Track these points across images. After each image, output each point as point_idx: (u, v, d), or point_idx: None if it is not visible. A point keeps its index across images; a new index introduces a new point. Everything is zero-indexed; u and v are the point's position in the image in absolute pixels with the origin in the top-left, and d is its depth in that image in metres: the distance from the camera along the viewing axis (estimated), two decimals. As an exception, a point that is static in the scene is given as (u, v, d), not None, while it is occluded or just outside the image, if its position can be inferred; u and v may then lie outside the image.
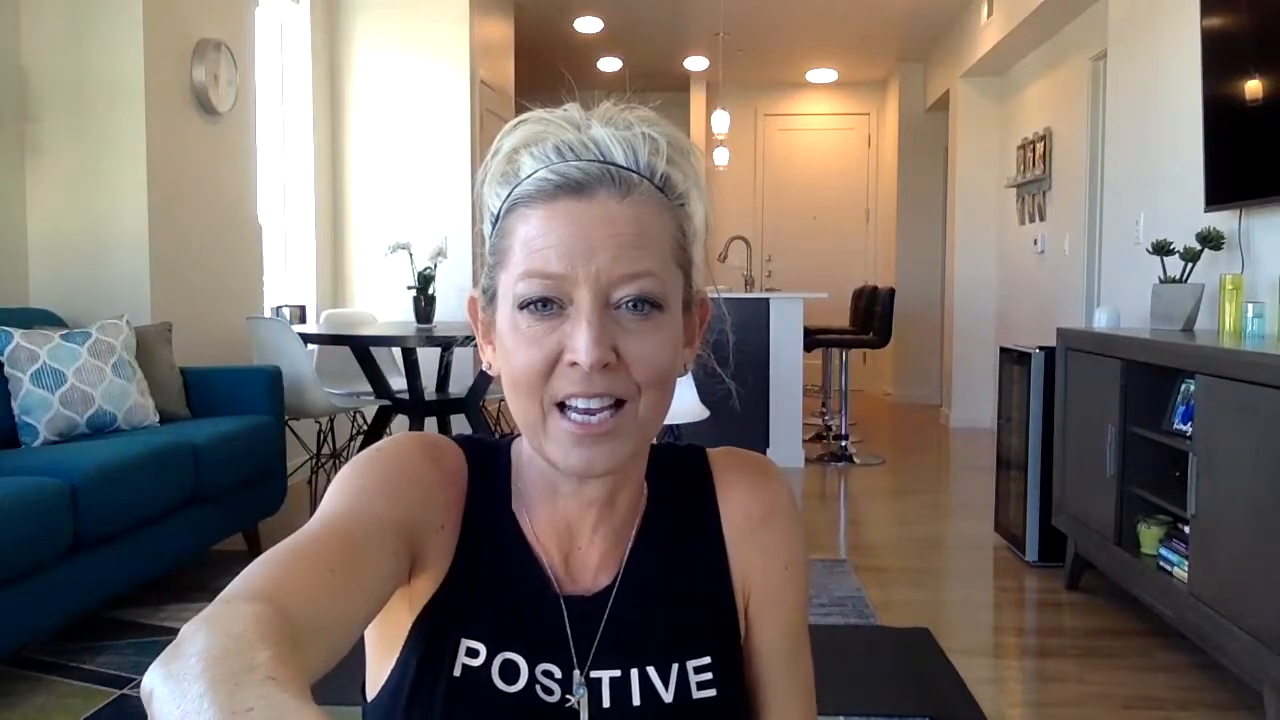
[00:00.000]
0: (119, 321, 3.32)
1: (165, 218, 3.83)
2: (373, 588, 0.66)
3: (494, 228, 0.74)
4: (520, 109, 0.80)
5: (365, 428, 4.65)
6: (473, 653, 0.76)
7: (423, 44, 5.47)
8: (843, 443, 5.85)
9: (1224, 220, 3.29)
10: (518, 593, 0.78)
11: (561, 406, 0.69)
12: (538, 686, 0.76)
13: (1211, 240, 3.24)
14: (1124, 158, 4.28)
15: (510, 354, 0.70)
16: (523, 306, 0.69)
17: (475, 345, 0.81)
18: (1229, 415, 2.30)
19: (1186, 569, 2.52)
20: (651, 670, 0.79)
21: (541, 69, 7.56)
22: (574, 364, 0.68)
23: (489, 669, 0.76)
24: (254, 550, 3.63)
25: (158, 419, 3.32)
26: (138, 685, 2.47)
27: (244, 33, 4.40)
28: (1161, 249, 3.36)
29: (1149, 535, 2.82)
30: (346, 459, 4.65)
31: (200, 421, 3.40)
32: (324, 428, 4.65)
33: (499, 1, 6.16)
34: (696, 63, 8.17)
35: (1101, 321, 3.52)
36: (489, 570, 0.78)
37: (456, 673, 0.75)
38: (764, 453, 5.56)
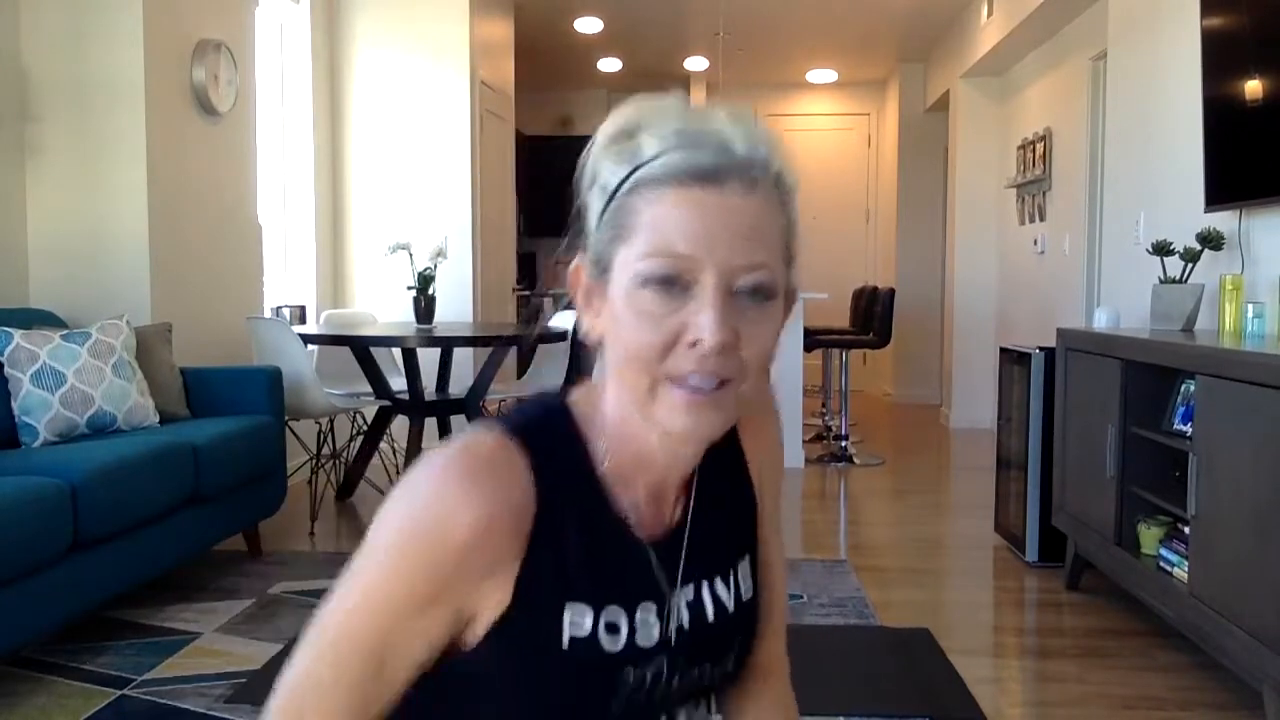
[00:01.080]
0: (119, 322, 3.32)
1: (165, 218, 3.83)
2: (411, 670, 0.77)
3: (611, 202, 0.76)
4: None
5: (365, 428, 4.65)
6: (579, 614, 0.78)
7: (423, 44, 5.47)
8: (843, 443, 5.85)
9: (1224, 220, 3.29)
10: (606, 550, 0.81)
11: (672, 378, 0.74)
12: (638, 635, 0.81)
13: (1211, 240, 3.24)
14: (1124, 158, 4.28)
15: (627, 329, 0.74)
16: (646, 284, 0.72)
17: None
18: (1229, 415, 2.30)
19: (1186, 569, 2.52)
20: (718, 580, 0.87)
21: (541, 69, 7.56)
22: (694, 344, 0.72)
23: (595, 635, 0.79)
24: (254, 550, 3.63)
25: (158, 419, 3.32)
26: (138, 685, 2.48)
27: (244, 33, 4.40)
28: (1161, 249, 3.36)
29: (1149, 535, 2.82)
30: (346, 460, 4.63)
31: (200, 421, 3.40)
32: (324, 428, 4.65)
33: (499, 1, 6.16)
34: (696, 63, 8.16)
35: (1101, 321, 3.52)
36: (574, 540, 0.79)
37: (565, 646, 0.78)
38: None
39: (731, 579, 0.88)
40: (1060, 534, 3.42)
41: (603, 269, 0.76)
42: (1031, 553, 3.59)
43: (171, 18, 3.85)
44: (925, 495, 5.02)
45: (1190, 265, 3.28)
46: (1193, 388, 2.56)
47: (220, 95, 4.12)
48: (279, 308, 4.85)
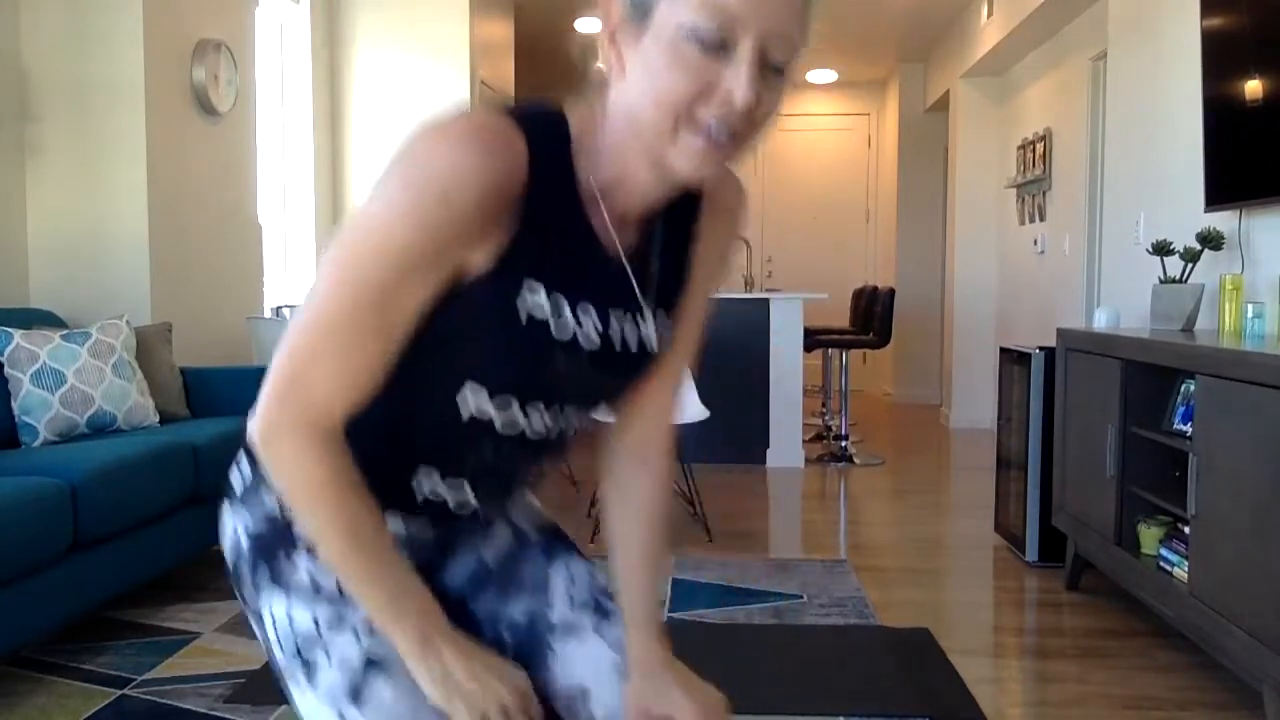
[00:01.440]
0: (119, 322, 3.32)
1: (165, 218, 3.83)
2: (406, 324, 0.84)
3: None
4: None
5: (365, 428, 4.65)
6: (538, 295, 0.88)
7: (423, 44, 5.47)
8: (843, 443, 5.85)
9: (1224, 220, 3.29)
10: (575, 249, 0.89)
11: (693, 125, 0.80)
12: (579, 334, 0.91)
13: (1211, 240, 3.24)
14: (1124, 158, 4.28)
15: (663, 74, 0.80)
16: (692, 35, 0.78)
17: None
18: (1229, 415, 2.30)
19: (1186, 569, 2.52)
20: (645, 317, 0.97)
21: (541, 69, 7.55)
22: (723, 99, 0.79)
23: (548, 319, 0.89)
24: (254, 550, 3.63)
25: (158, 419, 3.32)
26: (138, 685, 2.48)
27: (244, 33, 4.40)
28: (1161, 249, 3.36)
29: (1149, 535, 2.82)
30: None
31: (200, 421, 3.40)
32: (324, 428, 4.65)
33: (499, 1, 6.16)
34: (696, 63, 8.17)
35: (1101, 322, 3.52)
36: (553, 230, 0.87)
37: (523, 322, 0.88)
38: (764, 453, 5.46)
39: (653, 321, 0.98)
40: (1060, 534, 3.42)
41: (643, 12, 0.80)
42: (1031, 553, 3.59)
43: (171, 18, 3.85)
44: (925, 495, 5.02)
45: (1190, 265, 3.28)
46: (1193, 388, 2.56)
47: (220, 95, 4.13)
48: (279, 308, 4.85)
